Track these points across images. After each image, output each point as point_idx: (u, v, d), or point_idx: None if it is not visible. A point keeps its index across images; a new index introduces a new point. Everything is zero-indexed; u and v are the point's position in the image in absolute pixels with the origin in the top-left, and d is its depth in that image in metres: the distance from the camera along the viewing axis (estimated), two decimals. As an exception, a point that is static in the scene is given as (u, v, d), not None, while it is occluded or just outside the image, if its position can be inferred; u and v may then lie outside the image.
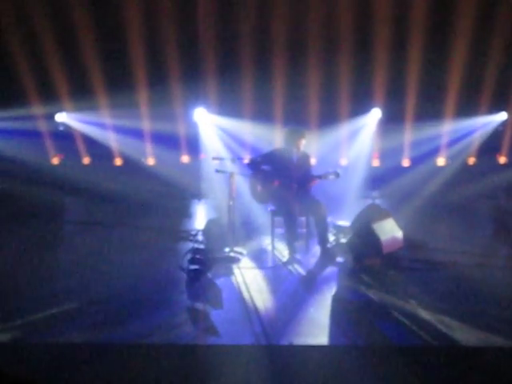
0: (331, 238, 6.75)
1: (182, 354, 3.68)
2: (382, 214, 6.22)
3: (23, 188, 9.37)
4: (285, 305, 4.77)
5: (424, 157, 10.75)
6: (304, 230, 6.78)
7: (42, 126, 10.69)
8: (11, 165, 9.96)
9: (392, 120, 10.49)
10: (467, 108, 10.39)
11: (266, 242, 7.03)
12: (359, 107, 10.46)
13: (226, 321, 4.27)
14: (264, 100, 10.15)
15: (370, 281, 5.43)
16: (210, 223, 6.93)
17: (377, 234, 5.84)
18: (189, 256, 5.71)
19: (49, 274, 5.79)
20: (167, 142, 10.67)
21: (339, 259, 6.24)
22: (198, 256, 5.64)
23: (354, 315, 4.47)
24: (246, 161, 7.00)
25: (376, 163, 10.93)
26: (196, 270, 5.42)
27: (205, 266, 5.49)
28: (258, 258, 6.48)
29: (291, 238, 6.30)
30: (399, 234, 6.04)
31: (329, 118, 10.35)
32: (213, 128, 10.64)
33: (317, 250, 6.47)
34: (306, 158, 6.84)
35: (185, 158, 11.00)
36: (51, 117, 10.76)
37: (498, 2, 9.75)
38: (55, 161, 10.99)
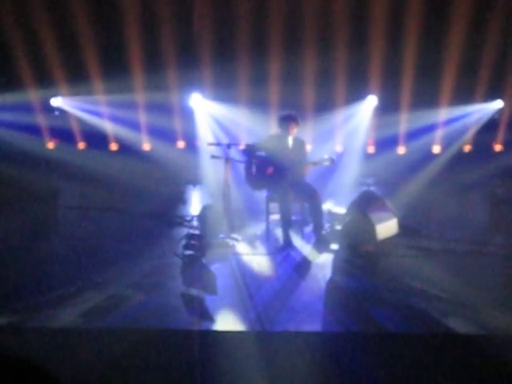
0: (326, 224, 6.76)
1: (176, 340, 3.70)
2: (377, 201, 6.24)
3: (18, 173, 9.34)
4: (279, 291, 4.79)
5: (419, 144, 10.74)
6: (299, 217, 6.80)
7: (38, 110, 10.63)
8: (6, 149, 9.92)
9: (388, 107, 10.46)
10: (463, 96, 10.37)
11: (261, 228, 7.04)
12: (355, 94, 10.43)
13: (220, 307, 4.29)
14: (260, 86, 10.09)
15: (364, 268, 5.45)
16: (205, 209, 6.93)
17: (372, 221, 5.86)
18: (184, 242, 5.73)
19: (44, 258, 5.79)
20: (163, 127, 10.62)
21: (334, 246, 6.26)
22: (192, 242, 5.67)
23: (349, 302, 4.50)
24: (242, 147, 7.00)
25: (371, 150, 10.92)
26: (191, 255, 5.45)
27: (200, 252, 5.51)
28: (253, 244, 6.49)
29: (286, 224, 6.32)
30: (394, 220, 6.07)
31: (325, 104, 10.32)
32: (208, 114, 10.61)
33: (312, 236, 6.50)
34: (301, 144, 6.83)
35: (180, 144, 10.96)
36: (47, 101, 10.69)
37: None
38: (50, 146, 10.94)
